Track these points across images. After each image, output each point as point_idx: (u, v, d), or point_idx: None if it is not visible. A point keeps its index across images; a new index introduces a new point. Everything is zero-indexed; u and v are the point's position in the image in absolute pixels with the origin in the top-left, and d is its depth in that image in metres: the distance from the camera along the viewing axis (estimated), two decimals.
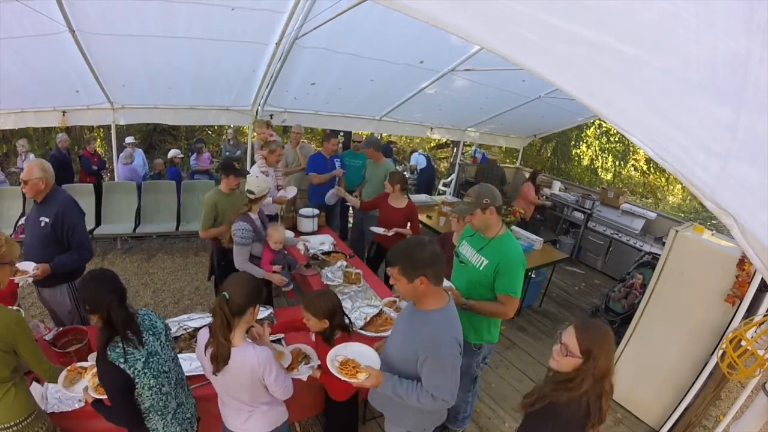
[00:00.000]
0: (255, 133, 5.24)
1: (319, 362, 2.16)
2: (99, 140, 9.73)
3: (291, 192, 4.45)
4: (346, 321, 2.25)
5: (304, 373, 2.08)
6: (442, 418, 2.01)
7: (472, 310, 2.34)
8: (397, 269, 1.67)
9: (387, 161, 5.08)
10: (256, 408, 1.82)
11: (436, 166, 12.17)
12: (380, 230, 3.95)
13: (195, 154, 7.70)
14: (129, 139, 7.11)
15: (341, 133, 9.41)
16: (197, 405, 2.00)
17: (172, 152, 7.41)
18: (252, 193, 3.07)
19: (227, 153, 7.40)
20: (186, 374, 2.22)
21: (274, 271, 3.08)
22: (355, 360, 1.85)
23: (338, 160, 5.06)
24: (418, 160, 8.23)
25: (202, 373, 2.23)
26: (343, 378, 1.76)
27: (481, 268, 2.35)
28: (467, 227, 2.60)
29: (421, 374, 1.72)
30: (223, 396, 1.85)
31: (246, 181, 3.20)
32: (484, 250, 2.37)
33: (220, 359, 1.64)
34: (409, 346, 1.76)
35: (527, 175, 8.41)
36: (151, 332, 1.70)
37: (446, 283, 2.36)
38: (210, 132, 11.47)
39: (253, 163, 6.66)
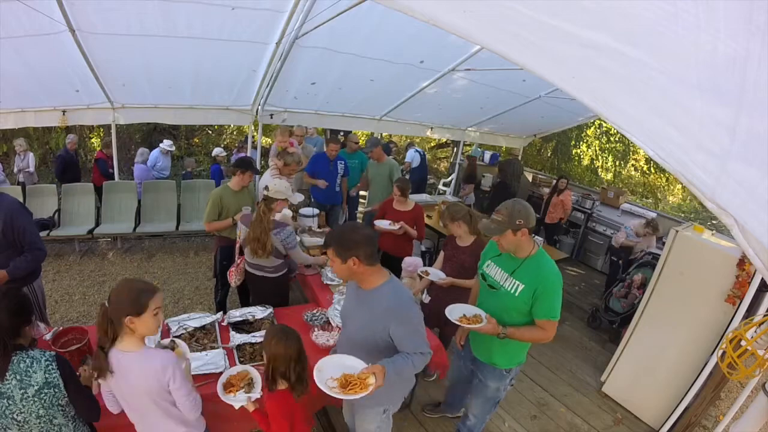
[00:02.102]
0: (276, 140, 5.08)
1: (260, 395, 1.94)
2: (98, 138, 9.75)
3: (297, 198, 4.43)
4: (293, 378, 1.89)
5: (239, 400, 1.89)
6: (411, 384, 2.19)
7: (512, 337, 2.14)
8: (332, 250, 1.79)
9: (389, 159, 5.06)
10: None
11: (435, 165, 12.19)
12: (385, 223, 3.91)
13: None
14: (167, 142, 7.08)
15: (341, 133, 9.41)
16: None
17: (216, 150, 7.50)
18: (267, 189, 3.03)
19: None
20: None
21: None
22: (346, 373, 1.71)
23: (342, 162, 5.05)
24: (413, 158, 8.19)
25: (203, 372, 2.24)
26: (360, 396, 1.62)
27: (516, 294, 2.13)
28: (491, 243, 2.38)
29: (399, 341, 1.81)
30: (137, 421, 1.77)
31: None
32: (518, 273, 2.14)
33: (103, 367, 1.62)
34: (374, 324, 1.84)
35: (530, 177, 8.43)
36: (17, 377, 1.53)
37: (476, 310, 2.26)
38: (210, 132, 11.45)
39: (260, 164, 6.69)
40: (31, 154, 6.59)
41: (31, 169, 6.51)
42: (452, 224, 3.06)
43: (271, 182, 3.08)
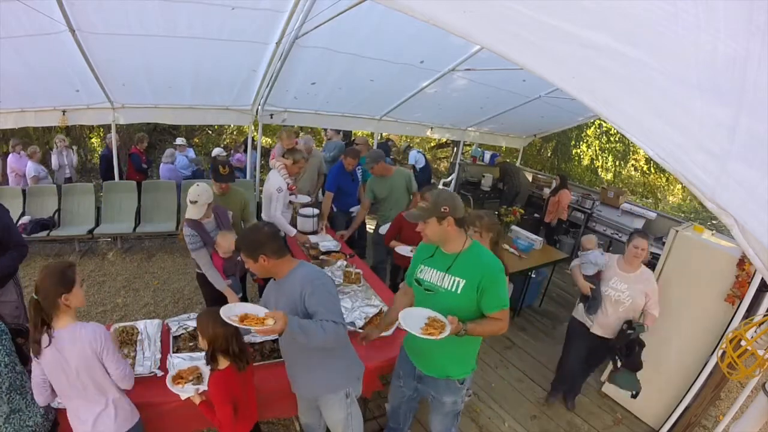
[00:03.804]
0: (280, 139, 4.97)
1: (206, 388, 2.01)
2: (98, 138, 9.76)
3: (302, 199, 4.43)
4: (236, 350, 2.00)
5: (186, 391, 1.99)
6: (361, 366, 2.25)
7: (472, 333, 1.97)
8: (243, 254, 1.96)
9: (399, 169, 4.58)
10: (106, 405, 1.85)
11: (435, 165, 12.20)
12: (406, 250, 3.50)
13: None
14: (179, 140, 7.28)
15: (340, 133, 9.40)
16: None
17: (216, 151, 7.58)
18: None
19: None
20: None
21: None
22: (249, 313, 1.86)
23: (359, 168, 4.93)
24: (417, 159, 8.22)
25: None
26: (254, 328, 1.75)
27: (458, 291, 1.97)
28: (420, 247, 2.23)
29: (313, 310, 1.91)
30: (67, 393, 1.83)
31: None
32: (455, 269, 2.00)
33: (34, 342, 1.73)
34: (293, 300, 1.95)
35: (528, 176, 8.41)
36: None
37: (428, 312, 2.00)
38: (210, 132, 11.45)
39: (260, 164, 6.69)
40: (73, 152, 6.78)
41: (75, 164, 6.74)
42: (478, 233, 2.76)
43: (191, 187, 2.89)
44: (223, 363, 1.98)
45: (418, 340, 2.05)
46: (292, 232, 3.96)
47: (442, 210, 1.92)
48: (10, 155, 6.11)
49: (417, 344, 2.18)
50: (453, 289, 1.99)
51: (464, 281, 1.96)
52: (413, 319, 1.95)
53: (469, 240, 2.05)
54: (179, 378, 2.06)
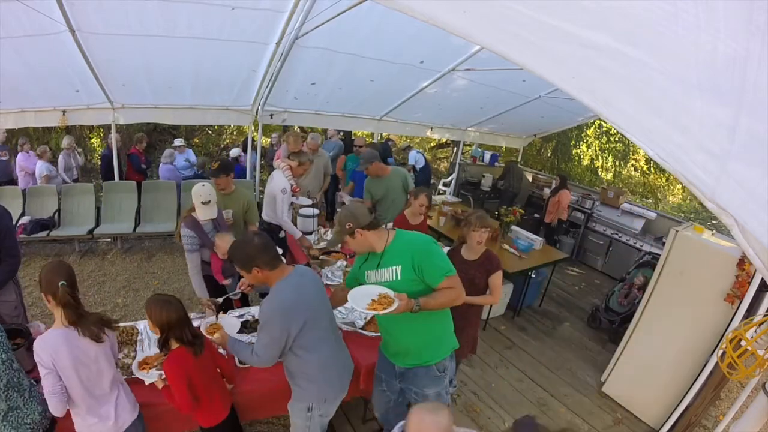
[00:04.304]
0: (287, 143, 4.95)
1: None
2: (98, 138, 9.76)
3: (303, 201, 4.44)
4: (189, 337, 2.02)
5: (150, 377, 2.04)
6: (337, 390, 2.20)
7: (426, 307, 1.96)
8: (237, 265, 2.00)
9: (396, 169, 4.46)
10: (119, 390, 1.96)
11: (435, 165, 12.20)
12: None
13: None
14: (177, 141, 7.34)
15: (341, 132, 9.42)
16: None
17: (234, 151, 7.67)
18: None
19: None
20: None
21: (224, 284, 2.96)
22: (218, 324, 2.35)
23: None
24: (417, 159, 8.23)
25: None
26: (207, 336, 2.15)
27: (399, 278, 2.03)
28: (356, 259, 2.31)
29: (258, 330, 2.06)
30: (84, 391, 1.84)
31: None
32: (386, 260, 2.07)
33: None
34: None
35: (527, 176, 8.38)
36: None
37: (378, 289, 2.03)
38: (210, 132, 11.45)
39: (259, 164, 6.69)
40: (78, 152, 6.83)
41: (81, 164, 6.81)
42: (477, 231, 2.75)
43: (197, 187, 2.85)
44: (174, 345, 2.00)
45: (390, 340, 2.22)
46: (298, 234, 3.95)
47: (347, 227, 2.04)
48: (20, 154, 6.11)
49: (390, 342, 2.25)
50: (394, 278, 2.05)
51: (400, 266, 2.03)
52: (361, 297, 1.99)
53: (392, 233, 2.13)
54: (145, 364, 2.12)
